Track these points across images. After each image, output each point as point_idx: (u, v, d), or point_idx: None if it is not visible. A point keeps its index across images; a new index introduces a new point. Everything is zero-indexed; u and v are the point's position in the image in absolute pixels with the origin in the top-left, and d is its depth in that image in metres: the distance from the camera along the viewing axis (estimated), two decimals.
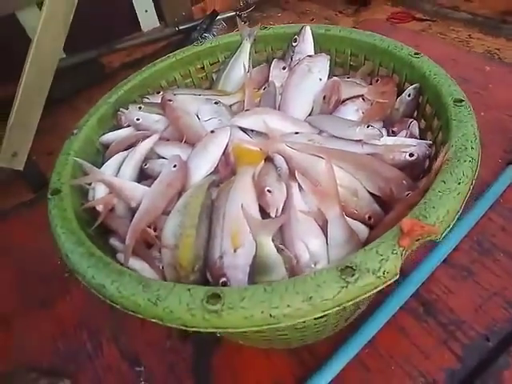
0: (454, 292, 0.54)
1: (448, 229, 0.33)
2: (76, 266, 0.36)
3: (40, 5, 1.24)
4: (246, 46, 0.60)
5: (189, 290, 0.31)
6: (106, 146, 0.53)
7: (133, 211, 0.45)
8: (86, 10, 0.94)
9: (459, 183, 0.34)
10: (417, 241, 0.32)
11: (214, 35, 1.53)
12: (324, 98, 0.51)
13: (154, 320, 0.32)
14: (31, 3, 1.24)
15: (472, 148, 0.37)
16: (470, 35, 1.31)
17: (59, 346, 0.57)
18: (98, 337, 0.57)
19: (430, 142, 0.46)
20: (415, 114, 0.52)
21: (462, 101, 0.42)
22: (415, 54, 0.50)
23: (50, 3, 0.84)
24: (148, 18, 1.59)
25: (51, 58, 0.90)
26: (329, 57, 0.56)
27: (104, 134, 0.54)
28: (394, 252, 0.31)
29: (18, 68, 0.93)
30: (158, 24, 1.62)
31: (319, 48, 0.59)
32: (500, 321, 0.50)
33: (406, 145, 0.44)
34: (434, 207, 0.33)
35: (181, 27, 1.59)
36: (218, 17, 1.59)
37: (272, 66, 0.59)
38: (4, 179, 1.01)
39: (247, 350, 0.51)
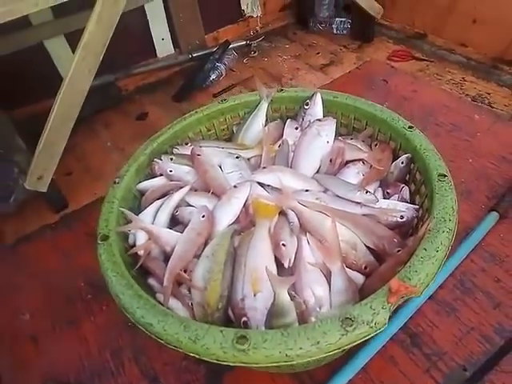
0: (437, 326, 0.60)
1: (427, 288, 0.42)
2: (126, 305, 0.43)
3: (68, 36, 1.34)
4: (264, 106, 0.69)
5: (221, 331, 0.39)
6: (142, 193, 0.61)
7: (167, 254, 0.53)
8: None
9: (437, 251, 0.43)
10: (401, 298, 0.40)
11: (225, 64, 1.62)
12: (330, 160, 0.60)
13: (192, 354, 0.39)
14: (59, 34, 1.33)
15: (450, 220, 0.45)
16: (463, 78, 1.40)
17: (85, 364, 0.62)
18: (120, 356, 0.62)
19: (418, 206, 0.54)
20: (407, 177, 0.60)
21: (445, 176, 0.50)
22: (409, 127, 0.58)
23: (84, 46, 0.92)
24: (164, 46, 1.66)
25: (81, 93, 0.98)
26: (335, 120, 0.65)
27: (140, 181, 0.61)
28: (384, 307, 0.39)
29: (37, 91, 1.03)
30: (173, 51, 1.70)
31: (327, 111, 0.67)
32: (476, 353, 0.56)
33: (398, 210, 0.52)
34: (416, 271, 0.41)
35: (194, 54, 1.66)
36: (230, 46, 1.69)
37: (286, 125, 0.68)
38: (23, 198, 1.08)
39: (255, 372, 0.57)
